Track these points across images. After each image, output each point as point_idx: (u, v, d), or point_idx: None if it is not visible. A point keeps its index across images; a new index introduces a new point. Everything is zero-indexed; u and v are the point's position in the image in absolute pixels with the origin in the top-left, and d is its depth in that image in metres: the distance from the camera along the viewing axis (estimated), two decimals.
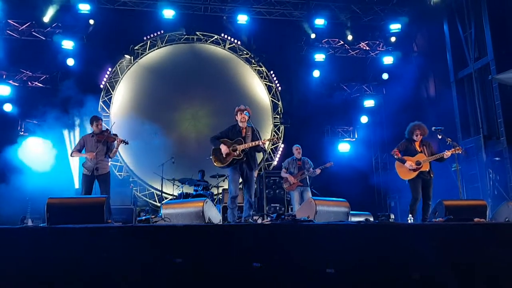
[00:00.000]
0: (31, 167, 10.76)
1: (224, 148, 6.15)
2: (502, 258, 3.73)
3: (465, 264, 3.69)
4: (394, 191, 13.09)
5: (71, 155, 7.30)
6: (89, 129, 8.15)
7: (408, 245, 3.73)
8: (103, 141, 7.08)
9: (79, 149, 7.17)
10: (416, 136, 6.99)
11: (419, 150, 6.95)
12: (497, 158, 9.96)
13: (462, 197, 8.93)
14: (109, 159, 7.30)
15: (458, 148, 6.86)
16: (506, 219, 5.47)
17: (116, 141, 7.14)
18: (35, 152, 11.26)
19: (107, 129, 7.39)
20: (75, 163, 11.58)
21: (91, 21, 12.12)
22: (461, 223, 4.27)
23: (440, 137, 6.96)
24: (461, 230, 3.96)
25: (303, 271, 3.57)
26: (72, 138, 11.85)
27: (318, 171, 8.68)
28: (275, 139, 6.50)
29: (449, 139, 6.93)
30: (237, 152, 6.14)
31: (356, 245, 3.70)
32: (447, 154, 6.74)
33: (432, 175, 6.87)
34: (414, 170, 6.82)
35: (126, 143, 7.25)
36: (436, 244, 3.74)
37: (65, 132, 11.82)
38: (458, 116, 11.50)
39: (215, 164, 6.34)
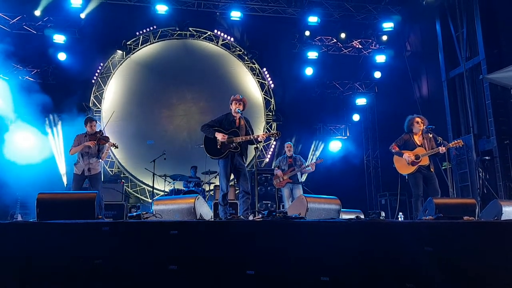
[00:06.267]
0: (20, 162, 10.67)
1: (220, 136, 5.99)
2: (490, 255, 3.77)
3: (454, 261, 3.72)
4: (385, 189, 13.17)
5: (70, 153, 7.30)
6: (80, 125, 8.14)
7: (398, 242, 3.75)
8: (96, 143, 7.20)
9: (76, 146, 7.23)
10: (417, 124, 6.87)
11: (419, 144, 6.86)
12: (487, 157, 10.04)
13: (452, 196, 9.03)
14: (100, 160, 7.38)
15: (459, 141, 6.88)
16: (495, 218, 5.52)
17: (107, 144, 7.25)
18: (24, 146, 11.16)
19: (100, 131, 7.46)
20: (62, 163, 11.52)
21: (82, 15, 12.02)
22: (450, 221, 4.29)
23: (431, 135, 6.97)
24: (451, 228, 3.99)
25: (294, 268, 3.59)
26: (62, 133, 11.75)
27: (311, 167, 8.68)
28: (276, 133, 6.40)
29: (440, 137, 6.94)
30: (234, 144, 6.04)
31: (346, 242, 3.72)
32: (443, 149, 6.66)
33: (432, 170, 6.76)
34: (413, 164, 6.76)
35: (116, 147, 7.42)
36: (425, 241, 3.77)
37: (56, 127, 11.73)
38: (449, 115, 11.58)
39: (207, 154, 6.18)
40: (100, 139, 7.23)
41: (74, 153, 7.22)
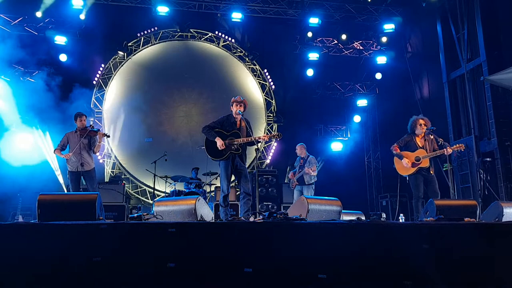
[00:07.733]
0: (20, 163, 10.66)
1: (220, 143, 5.96)
2: (491, 257, 3.76)
3: (455, 263, 3.71)
4: (386, 190, 13.16)
5: (54, 152, 7.35)
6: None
7: (399, 243, 3.75)
8: (85, 136, 7.08)
9: (61, 146, 7.16)
10: (420, 126, 6.84)
11: (420, 146, 6.83)
12: (488, 159, 10.03)
13: (453, 197, 9.02)
14: (94, 155, 7.31)
15: (460, 145, 6.86)
16: (496, 219, 5.52)
17: (98, 135, 7.16)
18: (24, 147, 11.17)
19: (91, 125, 7.38)
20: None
21: (82, 16, 12.03)
22: (451, 223, 4.29)
23: (432, 137, 6.96)
24: (452, 230, 3.99)
25: (295, 269, 3.58)
26: (62, 134, 11.76)
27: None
28: (276, 135, 6.37)
29: (441, 139, 6.92)
30: (235, 146, 6.03)
31: (347, 244, 3.72)
32: (449, 151, 6.59)
33: (432, 172, 6.73)
34: (413, 165, 6.72)
35: (108, 136, 7.40)
36: (426, 243, 3.76)
37: (57, 128, 11.73)
38: (450, 116, 11.56)
39: (208, 156, 6.16)
40: (90, 131, 7.12)
41: (56, 155, 7.25)
